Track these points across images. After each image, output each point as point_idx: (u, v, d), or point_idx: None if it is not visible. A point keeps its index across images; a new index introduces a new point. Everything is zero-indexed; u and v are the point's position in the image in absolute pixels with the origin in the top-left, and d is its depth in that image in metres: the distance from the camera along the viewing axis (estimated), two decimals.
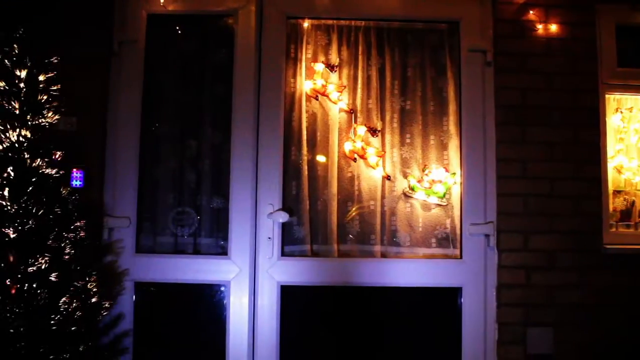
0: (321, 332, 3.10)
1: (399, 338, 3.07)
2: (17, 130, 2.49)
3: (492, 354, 2.97)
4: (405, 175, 3.10)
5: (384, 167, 3.09)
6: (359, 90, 3.13)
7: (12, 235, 2.40)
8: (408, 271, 3.02)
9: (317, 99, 3.10)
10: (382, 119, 3.12)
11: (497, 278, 2.99)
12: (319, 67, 3.10)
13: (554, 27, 3.05)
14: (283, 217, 2.93)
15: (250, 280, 2.97)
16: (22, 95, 2.50)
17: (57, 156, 2.57)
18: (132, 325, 2.95)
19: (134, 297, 2.98)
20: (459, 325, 3.00)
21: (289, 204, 3.04)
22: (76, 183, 2.86)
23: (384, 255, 3.07)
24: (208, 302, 3.06)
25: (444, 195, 3.06)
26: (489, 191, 3.03)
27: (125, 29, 3.05)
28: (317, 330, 3.10)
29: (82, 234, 2.61)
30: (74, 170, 2.87)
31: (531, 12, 3.05)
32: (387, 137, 3.11)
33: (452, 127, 3.12)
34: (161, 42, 3.13)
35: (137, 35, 3.05)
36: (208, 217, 3.10)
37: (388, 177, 3.08)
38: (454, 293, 3.04)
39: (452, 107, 3.13)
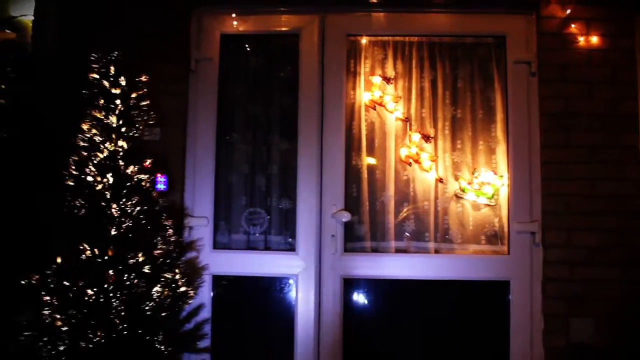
0: (379, 320, 3.38)
1: (451, 327, 3.33)
2: (114, 141, 2.80)
3: (538, 342, 3.18)
4: (456, 178, 3.34)
5: (436, 170, 3.34)
6: (413, 101, 3.39)
7: (113, 233, 2.71)
8: (459, 266, 3.28)
9: (374, 109, 3.38)
10: (435, 127, 3.37)
11: (542, 272, 3.20)
12: (377, 79, 3.38)
13: (594, 39, 3.23)
14: (345, 216, 3.22)
15: (315, 273, 3.26)
16: (117, 110, 2.82)
17: (147, 163, 2.88)
18: (211, 314, 3.27)
19: (211, 288, 3.29)
20: (507, 315, 3.23)
21: (350, 204, 3.32)
22: (161, 187, 3.18)
23: (437, 251, 3.32)
24: (277, 293, 3.36)
25: (493, 196, 3.29)
26: (535, 192, 3.25)
27: (201, 49, 3.37)
28: (376, 319, 3.38)
29: (170, 231, 2.91)
30: (159, 175, 3.18)
31: (573, 25, 3.25)
32: (440, 143, 3.36)
33: (500, 133, 3.35)
34: (233, 59, 3.45)
35: (212, 54, 3.37)
36: (277, 217, 3.40)
37: (441, 180, 3.34)
38: (502, 286, 3.26)
39: (499, 115, 3.36)
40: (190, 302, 2.98)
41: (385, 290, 3.36)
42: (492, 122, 3.38)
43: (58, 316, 2.60)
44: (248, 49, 3.51)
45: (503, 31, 3.36)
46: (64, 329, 2.59)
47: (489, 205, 3.33)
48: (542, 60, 3.27)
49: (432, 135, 3.36)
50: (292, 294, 3.30)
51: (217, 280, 3.32)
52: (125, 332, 2.63)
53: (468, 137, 3.38)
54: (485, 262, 3.29)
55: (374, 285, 3.35)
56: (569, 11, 3.23)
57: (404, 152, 3.34)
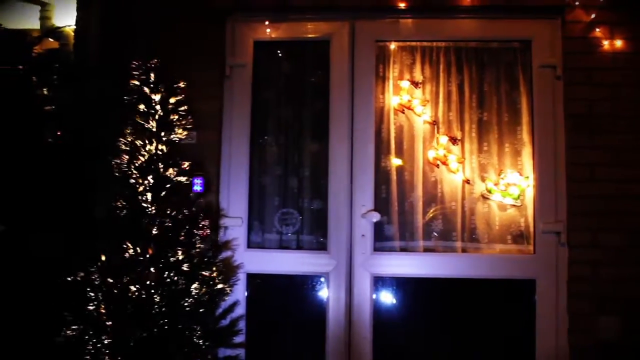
0: (408, 317, 3.48)
1: (478, 325, 3.41)
2: (154, 144, 2.94)
3: (564, 340, 3.25)
4: (483, 179, 3.43)
5: (463, 172, 3.44)
6: (441, 104, 3.49)
7: (154, 232, 2.83)
8: (486, 265, 3.37)
9: (403, 113, 3.49)
10: (462, 129, 3.47)
11: (567, 271, 3.26)
12: (405, 84, 3.48)
13: (619, 43, 3.29)
14: (375, 217, 3.34)
15: (346, 272, 3.37)
16: (157, 115, 2.96)
17: (184, 166, 3.01)
18: (245, 311, 3.40)
19: (246, 286, 3.42)
20: (533, 314, 3.30)
21: (380, 205, 3.42)
22: (197, 188, 3.32)
23: (464, 250, 3.41)
24: (309, 291, 3.48)
25: (519, 197, 3.38)
26: (560, 193, 3.32)
27: (235, 55, 3.50)
28: (404, 316, 3.48)
29: (207, 231, 3.04)
30: (195, 177, 3.31)
31: (597, 29, 3.31)
32: (467, 145, 3.46)
33: (525, 136, 3.43)
34: (266, 65, 3.57)
35: (246, 60, 3.50)
36: (309, 217, 3.52)
37: (467, 181, 3.43)
38: (528, 285, 3.34)
39: (525, 118, 3.44)
40: (226, 299, 3.11)
41: (413, 288, 3.46)
42: (517, 124, 3.46)
43: (103, 311, 2.69)
44: (280, 54, 3.63)
45: (528, 36, 3.43)
46: (109, 323, 2.72)
47: (514, 205, 3.40)
48: (567, 64, 3.34)
49: (459, 138, 3.45)
50: (324, 292, 3.41)
51: (251, 278, 3.44)
52: (165, 327, 2.76)
53: (494, 140, 3.46)
54: (511, 262, 3.38)
55: (402, 284, 3.45)
56: (593, 16, 3.29)
57: (431, 154, 3.44)
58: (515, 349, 3.36)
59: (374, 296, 3.38)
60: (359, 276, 3.35)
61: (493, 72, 3.50)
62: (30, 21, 3.86)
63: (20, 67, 3.04)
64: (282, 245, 3.52)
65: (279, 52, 3.61)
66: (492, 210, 3.43)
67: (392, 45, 3.54)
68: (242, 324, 3.33)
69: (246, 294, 3.43)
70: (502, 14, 3.43)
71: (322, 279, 3.42)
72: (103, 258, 2.83)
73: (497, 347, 3.38)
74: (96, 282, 2.80)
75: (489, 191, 3.39)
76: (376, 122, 3.47)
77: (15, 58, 2.99)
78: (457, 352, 3.44)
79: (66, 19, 3.77)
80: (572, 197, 3.28)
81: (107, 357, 2.69)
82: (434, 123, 3.47)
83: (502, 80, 3.49)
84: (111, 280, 2.78)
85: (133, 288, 2.76)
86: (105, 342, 2.70)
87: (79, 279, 2.81)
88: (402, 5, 3.37)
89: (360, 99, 3.43)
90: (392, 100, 3.49)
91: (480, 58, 3.52)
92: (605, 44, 3.30)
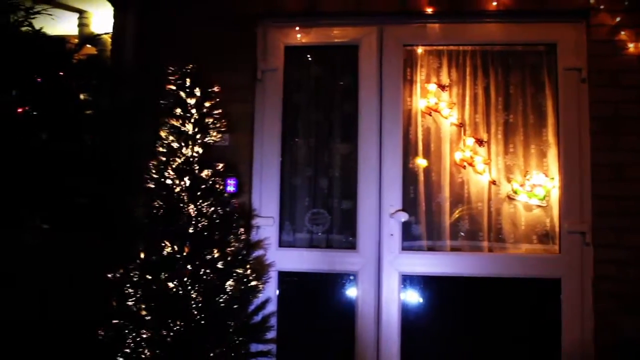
0: (435, 314, 3.56)
1: (504, 323, 3.48)
2: (190, 147, 3.04)
3: (589, 339, 3.30)
4: (509, 180, 3.50)
5: (490, 173, 3.51)
6: (467, 107, 3.57)
7: (190, 231, 2.94)
8: (512, 264, 3.43)
9: (430, 115, 3.57)
10: (488, 131, 3.54)
11: (593, 271, 3.32)
12: (432, 87, 3.56)
13: None
14: (403, 216, 3.43)
15: (375, 270, 3.46)
16: (193, 119, 3.06)
17: (219, 167, 3.12)
18: (277, 307, 3.49)
19: (277, 284, 3.52)
20: (558, 313, 3.36)
21: (408, 205, 3.51)
22: (230, 189, 3.42)
23: (490, 250, 3.48)
24: (339, 288, 3.57)
25: (544, 198, 3.44)
26: (585, 193, 3.37)
27: (266, 60, 3.61)
28: (431, 313, 3.56)
29: (240, 230, 3.14)
30: (228, 178, 3.42)
31: (622, 32, 3.35)
32: (493, 147, 3.53)
33: (551, 137, 3.49)
34: (297, 69, 3.68)
35: (277, 64, 3.61)
36: (338, 217, 3.61)
37: (494, 182, 3.50)
38: (554, 284, 3.39)
39: (550, 120, 3.50)
40: (258, 296, 3.21)
41: (440, 286, 3.53)
42: (543, 126, 3.52)
43: (143, 306, 2.80)
44: (310, 59, 3.73)
45: (553, 39, 3.50)
46: (148, 318, 2.82)
47: (540, 206, 3.47)
48: (592, 67, 3.39)
49: (485, 140, 3.53)
50: (353, 289, 3.50)
51: (282, 276, 3.54)
52: (202, 322, 2.86)
53: (520, 141, 3.52)
54: (537, 261, 3.44)
55: (430, 282, 3.52)
56: (618, 19, 3.34)
57: (458, 156, 3.52)
58: (540, 347, 3.41)
59: (402, 294, 3.46)
60: (387, 275, 3.43)
61: (518, 75, 3.56)
62: (68, 27, 3.97)
63: (61, 73, 3.12)
64: (313, 245, 3.61)
65: (308, 56, 3.71)
66: (518, 211, 3.48)
67: (420, 49, 3.62)
68: (273, 321, 3.42)
69: (277, 291, 3.52)
70: (527, 18, 3.49)
71: (351, 278, 3.51)
72: (142, 256, 2.93)
73: (523, 345, 3.43)
74: (135, 279, 2.91)
75: (515, 192, 3.45)
76: (404, 124, 3.55)
77: (56, 64, 3.10)
78: (483, 350, 3.50)
79: (103, 26, 3.88)
80: (597, 198, 3.32)
81: (146, 351, 2.78)
82: (461, 125, 3.54)
83: (527, 82, 3.55)
84: (150, 277, 2.88)
85: (171, 285, 2.86)
86: (144, 336, 2.81)
87: (118, 275, 2.89)
88: (429, 10, 3.45)
89: (388, 102, 3.52)
90: (419, 103, 3.58)
91: (505, 61, 3.58)
92: (631, 46, 3.34)
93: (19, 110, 2.83)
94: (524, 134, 3.53)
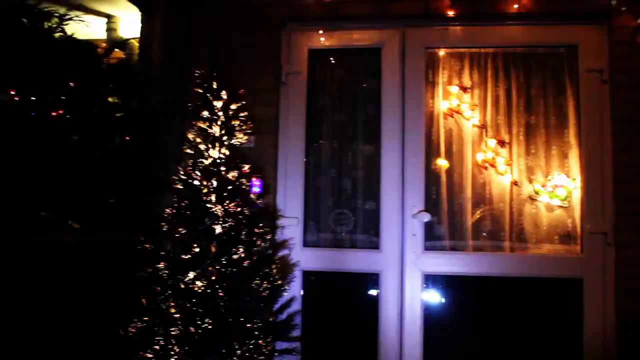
0: (457, 313, 3.60)
1: (526, 322, 3.51)
2: (217, 149, 3.10)
3: (612, 337, 3.33)
4: (530, 181, 3.54)
5: (511, 174, 3.55)
6: (489, 108, 3.61)
7: (218, 231, 3.00)
8: (534, 264, 3.47)
9: (452, 117, 3.62)
10: (510, 133, 3.58)
11: (615, 271, 3.35)
12: (454, 89, 3.61)
13: None
14: (426, 217, 3.48)
15: (398, 269, 3.52)
16: (219, 121, 3.12)
17: (245, 169, 3.18)
18: (301, 306, 3.55)
19: (301, 283, 3.58)
20: (580, 312, 3.39)
21: (430, 206, 3.56)
22: (256, 190, 3.48)
23: (512, 250, 3.52)
24: (363, 287, 3.62)
25: (566, 198, 3.48)
26: (607, 194, 3.40)
27: (291, 63, 3.68)
28: (454, 312, 3.61)
29: (266, 230, 3.20)
30: (254, 179, 3.49)
31: None
32: (514, 148, 3.57)
33: (572, 139, 3.52)
34: (320, 71, 3.75)
35: (301, 67, 3.68)
36: (362, 217, 3.67)
37: (515, 183, 3.54)
38: (576, 283, 3.43)
39: (571, 121, 3.53)
40: (284, 294, 3.27)
41: (463, 286, 3.58)
42: (564, 127, 3.56)
43: (172, 304, 2.88)
44: (333, 61, 3.79)
45: (575, 41, 3.53)
46: (176, 316, 2.89)
47: (562, 207, 3.50)
48: (614, 68, 3.42)
49: (507, 141, 3.57)
50: (376, 288, 3.55)
51: (307, 275, 3.60)
52: (229, 320, 2.92)
53: (542, 142, 3.56)
54: (558, 261, 3.48)
55: (452, 281, 3.57)
56: None
57: (480, 157, 3.56)
58: (563, 345, 3.45)
59: (424, 293, 3.51)
60: (410, 274, 3.49)
61: (540, 76, 3.60)
62: (94, 31, 4.06)
63: (92, 77, 3.22)
64: (336, 244, 3.67)
65: (332, 59, 3.77)
66: (540, 211, 3.52)
67: (442, 52, 3.67)
68: (298, 319, 3.49)
69: (302, 290, 3.58)
70: (548, 20, 3.53)
71: (375, 276, 3.56)
72: (171, 255, 2.98)
73: (545, 345, 3.46)
74: (164, 278, 2.97)
75: (537, 193, 3.49)
76: (426, 125, 3.60)
77: (88, 69, 3.19)
78: (505, 349, 3.53)
79: (130, 30, 3.97)
80: (619, 198, 3.36)
81: (175, 348, 2.84)
82: (483, 126, 3.58)
83: (548, 84, 3.59)
84: (178, 276, 2.94)
85: (199, 283, 2.92)
86: (173, 333, 2.87)
87: (147, 274, 2.96)
88: (451, 13, 3.49)
89: (410, 104, 3.57)
90: (441, 104, 3.63)
91: (527, 63, 3.62)
92: None
93: (54, 114, 2.90)
94: (546, 135, 3.56)
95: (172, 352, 2.86)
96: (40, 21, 2.76)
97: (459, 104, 3.59)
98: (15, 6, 2.62)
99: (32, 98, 2.81)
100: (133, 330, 2.94)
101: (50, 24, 2.86)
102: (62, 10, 2.86)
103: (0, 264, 2.43)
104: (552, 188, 3.45)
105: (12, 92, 2.76)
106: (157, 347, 2.89)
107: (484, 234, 3.55)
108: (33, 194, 2.76)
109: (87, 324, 2.84)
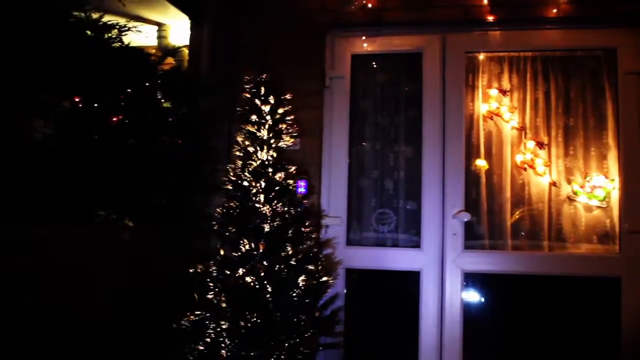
0: (496, 310, 3.71)
1: (563, 320, 3.59)
2: (265, 151, 3.25)
3: None
4: (569, 182, 3.62)
5: (550, 175, 3.63)
6: (528, 111, 3.70)
7: (266, 230, 3.15)
8: (572, 263, 3.55)
9: (491, 119, 3.71)
10: (548, 135, 3.67)
11: None
12: (493, 92, 3.71)
13: None
14: (466, 217, 3.58)
15: (438, 268, 3.63)
16: (267, 125, 3.26)
17: (291, 170, 3.31)
18: (344, 302, 3.69)
19: (345, 280, 3.71)
20: (618, 310, 3.46)
21: (470, 206, 3.66)
22: (301, 190, 3.59)
23: (550, 249, 3.61)
24: (404, 284, 3.73)
25: (604, 199, 3.55)
26: None
27: (334, 68, 3.81)
28: (492, 309, 3.72)
29: (311, 229, 3.33)
30: (299, 180, 3.61)
31: None
32: (553, 149, 3.65)
33: (611, 140, 3.59)
34: (363, 76, 3.87)
35: (344, 72, 3.80)
36: (403, 217, 3.79)
37: (554, 184, 3.63)
38: (613, 282, 3.49)
39: (610, 123, 3.60)
40: (328, 291, 3.36)
41: (501, 283, 3.67)
42: (603, 129, 3.62)
43: (223, 299, 3.04)
44: (375, 66, 3.91)
45: (613, 44, 3.59)
46: (227, 310, 3.03)
47: (600, 207, 3.58)
48: None
49: (545, 143, 3.65)
50: (417, 286, 3.66)
51: (350, 273, 3.74)
52: (277, 314, 3.06)
53: (580, 144, 3.64)
54: (596, 260, 3.54)
55: (491, 279, 3.67)
56: None
57: (519, 158, 3.65)
58: (600, 344, 3.51)
59: (464, 291, 3.62)
60: (450, 272, 3.60)
61: (578, 79, 3.67)
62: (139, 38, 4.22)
63: (148, 83, 3.40)
64: (379, 243, 3.80)
65: (374, 63, 3.90)
66: (578, 212, 3.60)
67: (481, 56, 3.77)
68: (341, 315, 3.61)
69: (345, 287, 3.71)
70: (587, 24, 3.60)
71: (416, 275, 3.67)
72: (222, 252, 3.16)
73: (583, 342, 3.54)
74: (214, 274, 3.13)
75: (575, 193, 3.57)
76: (466, 128, 3.70)
77: (143, 76, 3.38)
78: (542, 345, 3.61)
79: (179, 37, 4.16)
80: None
81: (226, 340, 3.00)
82: (522, 129, 3.67)
83: (587, 87, 3.66)
84: (228, 272, 3.10)
85: (248, 279, 3.07)
86: (224, 326, 3.02)
87: (199, 271, 3.13)
88: (490, 18, 3.59)
89: (451, 107, 3.68)
90: (481, 107, 3.73)
91: (565, 66, 3.70)
92: None
93: (114, 119, 3.10)
94: (584, 136, 3.63)
95: (223, 345, 3.01)
96: (102, 33, 2.94)
97: (498, 107, 3.67)
98: (80, 20, 2.80)
99: (95, 105, 2.99)
100: (186, 323, 3.09)
101: (109, 35, 3.04)
102: (121, 22, 3.03)
103: (77, 258, 2.61)
104: (591, 189, 3.53)
105: (76, 99, 2.95)
106: (208, 339, 3.05)
107: (523, 233, 3.64)
108: (94, 195, 2.92)
109: (143, 315, 2.99)
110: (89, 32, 2.87)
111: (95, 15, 2.86)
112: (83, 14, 2.79)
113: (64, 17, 2.68)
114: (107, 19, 2.98)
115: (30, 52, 2.53)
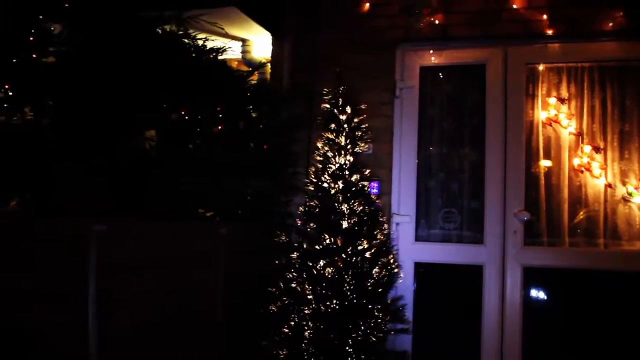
0: (553, 302, 4.00)
1: (617, 314, 3.82)
2: (342, 156, 3.65)
3: None
4: (624, 184, 3.88)
5: (606, 177, 3.89)
6: (585, 117, 3.97)
7: (344, 226, 3.55)
8: (627, 258, 3.81)
9: (550, 125, 4.01)
10: (604, 140, 3.93)
11: None
12: (552, 100, 4.00)
13: None
14: (526, 216, 3.89)
15: (500, 263, 3.95)
16: (344, 132, 3.63)
17: (365, 173, 3.68)
18: (413, 293, 4.07)
19: (413, 272, 4.08)
20: None
21: (530, 205, 3.95)
22: (374, 191, 4.02)
23: (605, 246, 3.87)
24: (467, 278, 4.05)
25: None
26: None
27: (404, 79, 4.17)
28: (551, 300, 4.01)
29: (384, 226, 3.72)
30: (372, 181, 4.02)
31: None
32: (609, 153, 3.91)
33: None
34: (430, 86, 4.21)
35: (413, 82, 4.16)
36: (467, 215, 4.12)
37: (609, 185, 3.89)
38: None
39: None
40: (399, 281, 3.75)
41: (559, 278, 3.96)
42: None
43: (307, 287, 3.44)
44: (442, 77, 4.25)
45: None
46: (310, 297, 3.42)
47: None
48: None
49: (601, 147, 3.91)
50: (480, 278, 3.99)
51: (417, 266, 4.09)
52: (354, 301, 3.41)
53: (635, 148, 3.89)
54: None
55: (549, 274, 3.96)
56: None
57: (576, 162, 3.94)
58: None
59: (524, 284, 3.91)
60: (510, 266, 3.92)
61: (633, 88, 3.91)
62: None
63: (240, 97, 3.86)
64: (444, 239, 4.14)
65: (440, 74, 4.24)
66: (633, 212, 3.85)
67: (541, 67, 4.06)
68: (410, 304, 4.00)
69: (413, 279, 4.07)
70: None
71: (478, 268, 4.00)
72: (305, 246, 3.55)
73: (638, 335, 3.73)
74: (297, 266, 3.52)
75: (630, 194, 3.83)
76: (526, 133, 4.00)
77: (236, 90, 3.84)
78: (598, 337, 3.84)
79: (260, 51, 4.60)
80: None
81: (309, 323, 3.40)
82: (579, 134, 3.95)
83: None
84: (310, 264, 3.47)
85: (329, 270, 3.43)
86: (307, 311, 3.40)
87: (284, 262, 3.54)
88: (550, 32, 3.87)
89: (512, 114, 3.99)
90: (540, 114, 4.02)
91: (621, 76, 3.94)
92: None
93: (214, 129, 3.57)
94: (639, 141, 3.86)
95: (306, 328, 3.39)
96: (204, 55, 3.41)
97: (556, 114, 3.96)
98: (186, 45, 3.27)
99: (199, 117, 3.47)
100: (274, 308, 3.49)
101: (209, 57, 3.51)
102: (219, 44, 3.49)
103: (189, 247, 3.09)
104: None
105: (182, 112, 3.44)
106: (292, 323, 3.44)
107: (579, 231, 3.91)
108: (195, 196, 3.40)
109: (235, 299, 3.44)
110: (194, 55, 3.32)
111: (199, 42, 3.30)
112: (191, 41, 3.24)
113: (178, 46, 3.15)
114: (202, 36, 3.38)
115: (150, 76, 3.00)
